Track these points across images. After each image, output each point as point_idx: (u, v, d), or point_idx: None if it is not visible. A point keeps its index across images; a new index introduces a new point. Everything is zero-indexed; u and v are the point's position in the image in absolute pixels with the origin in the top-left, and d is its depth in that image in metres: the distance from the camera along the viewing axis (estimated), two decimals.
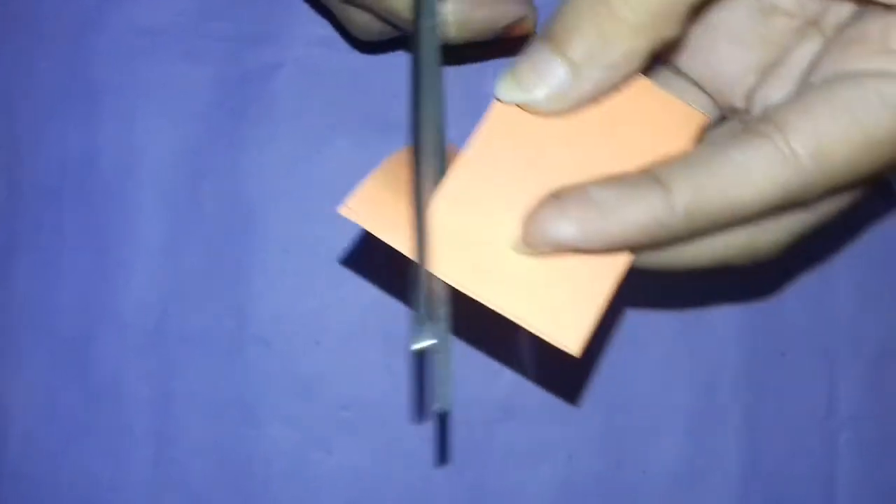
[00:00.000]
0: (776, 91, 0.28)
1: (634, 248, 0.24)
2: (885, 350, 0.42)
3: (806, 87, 0.25)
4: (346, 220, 0.40)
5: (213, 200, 0.40)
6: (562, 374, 0.41)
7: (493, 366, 0.41)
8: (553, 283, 0.24)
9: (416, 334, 0.23)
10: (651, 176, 0.24)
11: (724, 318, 0.41)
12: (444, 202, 0.25)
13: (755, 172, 0.23)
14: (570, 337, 0.24)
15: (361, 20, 0.34)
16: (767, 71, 0.28)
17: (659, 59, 0.29)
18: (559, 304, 0.24)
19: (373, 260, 0.41)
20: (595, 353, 0.41)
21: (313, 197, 0.40)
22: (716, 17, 0.29)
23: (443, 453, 0.41)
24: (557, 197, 0.24)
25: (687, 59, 0.30)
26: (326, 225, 0.40)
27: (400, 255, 0.24)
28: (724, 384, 0.41)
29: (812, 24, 0.28)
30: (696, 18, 0.30)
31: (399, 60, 0.41)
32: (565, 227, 0.23)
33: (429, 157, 0.25)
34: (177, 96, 0.40)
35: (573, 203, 0.23)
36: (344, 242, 0.40)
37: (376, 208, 0.25)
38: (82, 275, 0.40)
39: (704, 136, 0.28)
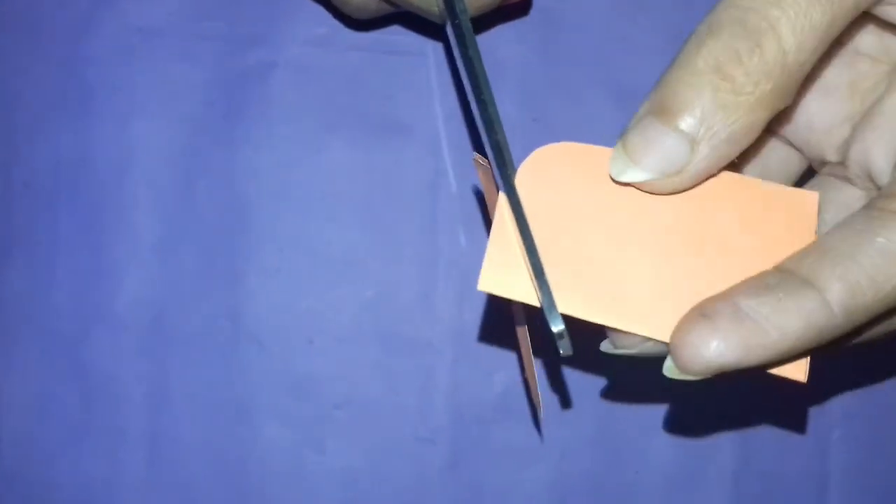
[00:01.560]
0: (874, 144, 0.26)
1: (792, 356, 0.23)
2: (877, 349, 0.42)
3: None
4: (340, 221, 0.40)
5: (208, 200, 0.40)
6: (555, 374, 0.41)
7: (488, 366, 0.41)
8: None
9: (553, 319, 0.24)
10: (797, 277, 0.22)
11: None
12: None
13: None
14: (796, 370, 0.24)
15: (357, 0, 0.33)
16: (862, 120, 0.27)
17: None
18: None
19: (367, 260, 0.41)
20: (588, 354, 0.41)
21: (308, 197, 0.40)
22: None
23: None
24: (705, 315, 0.22)
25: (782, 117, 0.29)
26: (321, 225, 0.41)
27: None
28: (717, 383, 0.41)
29: None
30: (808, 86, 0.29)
31: (393, 60, 0.41)
32: (723, 349, 0.22)
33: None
34: (171, 96, 0.40)
35: (726, 320, 0.22)
36: (338, 242, 0.41)
37: (508, 270, 0.25)
38: (77, 274, 0.40)
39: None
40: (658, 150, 0.23)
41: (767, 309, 0.22)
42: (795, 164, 0.30)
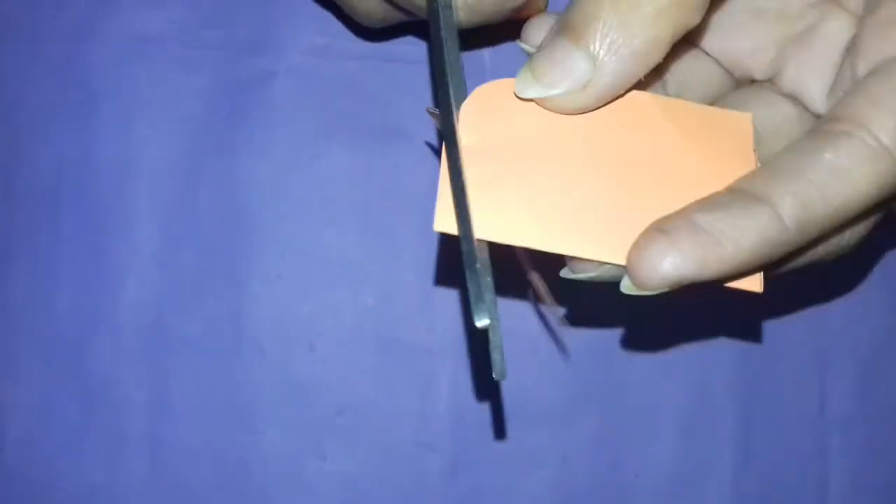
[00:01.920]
0: (809, 68, 0.27)
1: (746, 271, 0.24)
2: (877, 353, 0.42)
3: (862, 75, 0.24)
4: (340, 226, 0.40)
5: (209, 206, 0.41)
6: (555, 379, 0.41)
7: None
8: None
9: (479, 313, 0.23)
10: (750, 195, 0.23)
11: (716, 322, 0.42)
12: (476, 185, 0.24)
13: (854, 172, 0.23)
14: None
15: (364, 6, 0.33)
16: (792, 45, 0.27)
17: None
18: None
19: (368, 266, 0.41)
20: (588, 359, 0.41)
21: (309, 203, 0.41)
22: None
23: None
24: (663, 230, 0.23)
25: (707, 33, 0.29)
26: (321, 230, 0.41)
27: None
28: (717, 388, 0.41)
29: (833, 2, 0.27)
30: (718, 4, 0.29)
31: (392, 68, 0.41)
32: (682, 263, 0.22)
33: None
34: (173, 103, 0.41)
35: (683, 235, 0.23)
36: (338, 248, 0.41)
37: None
38: (78, 279, 0.40)
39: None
40: (560, 66, 0.23)
41: (723, 224, 0.22)
42: (716, 82, 0.30)
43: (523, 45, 0.27)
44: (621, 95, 0.25)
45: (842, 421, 0.42)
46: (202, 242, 0.41)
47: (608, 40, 0.23)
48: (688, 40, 0.29)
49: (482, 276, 0.23)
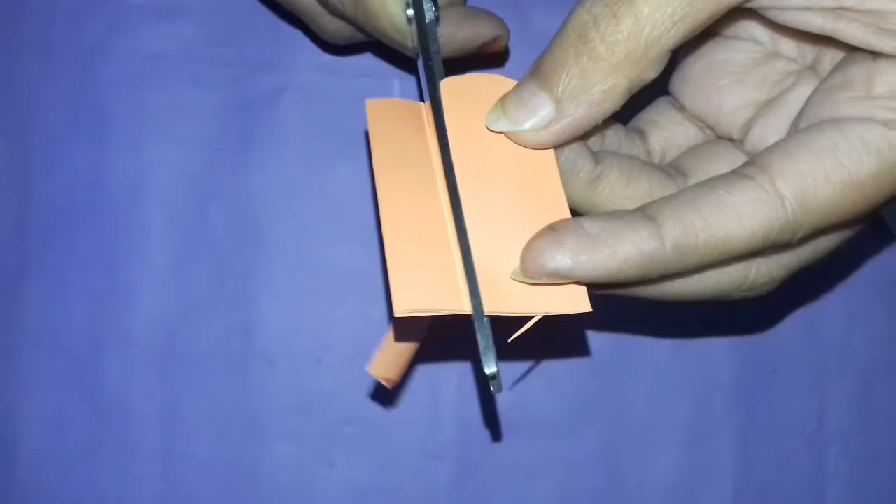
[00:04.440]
0: (770, 129, 0.28)
1: (626, 282, 0.25)
2: (874, 366, 0.43)
3: (792, 132, 0.26)
4: (348, 241, 0.41)
5: (220, 222, 0.41)
6: (559, 391, 0.42)
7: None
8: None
9: (487, 362, 0.25)
10: (642, 212, 0.24)
11: (716, 336, 0.42)
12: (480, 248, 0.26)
13: (741, 211, 0.24)
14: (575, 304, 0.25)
15: (333, 27, 0.35)
16: (764, 107, 0.29)
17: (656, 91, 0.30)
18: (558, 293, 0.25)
19: (375, 280, 0.41)
20: (591, 371, 0.42)
21: (317, 218, 0.41)
22: (720, 56, 0.30)
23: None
24: (553, 228, 0.25)
25: (690, 91, 0.31)
26: (330, 245, 0.41)
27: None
28: (717, 400, 0.42)
29: (810, 68, 0.28)
30: (690, 56, 0.30)
31: (398, 85, 0.42)
32: (560, 258, 0.24)
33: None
34: (184, 121, 0.41)
35: (569, 235, 0.24)
36: (346, 262, 0.41)
37: (421, 289, 0.25)
38: (91, 295, 0.41)
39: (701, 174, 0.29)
40: (526, 105, 0.25)
41: (605, 232, 0.24)
42: (700, 138, 0.31)
43: None
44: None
45: (839, 434, 0.42)
46: (213, 258, 0.41)
47: (570, 87, 0.25)
48: (677, 102, 0.31)
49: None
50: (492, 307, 0.25)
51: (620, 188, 0.28)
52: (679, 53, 0.31)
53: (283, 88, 0.41)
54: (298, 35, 0.41)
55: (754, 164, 0.25)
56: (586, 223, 0.24)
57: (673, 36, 0.24)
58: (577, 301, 0.25)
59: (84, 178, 0.41)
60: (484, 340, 0.24)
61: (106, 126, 0.41)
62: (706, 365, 0.42)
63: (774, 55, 0.29)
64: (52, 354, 0.41)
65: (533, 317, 0.25)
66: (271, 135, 0.41)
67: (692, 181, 0.29)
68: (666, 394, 0.42)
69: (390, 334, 0.30)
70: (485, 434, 0.41)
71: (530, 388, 0.41)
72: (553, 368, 0.42)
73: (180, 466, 0.41)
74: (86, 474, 0.41)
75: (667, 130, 0.31)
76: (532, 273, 0.25)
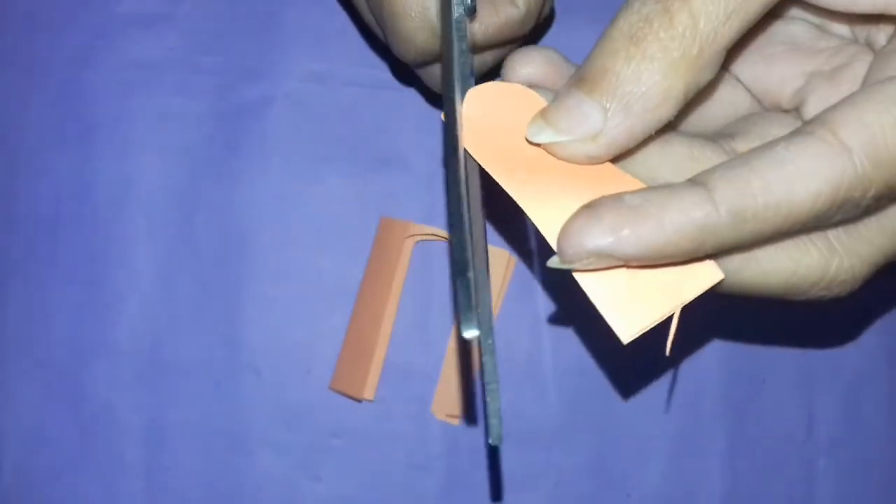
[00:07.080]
0: (831, 101, 0.26)
1: (677, 257, 0.23)
2: (862, 377, 0.43)
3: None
4: (335, 252, 0.41)
5: (206, 232, 0.41)
6: (548, 401, 0.41)
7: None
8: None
9: (467, 323, 0.22)
10: (689, 181, 0.22)
11: (705, 346, 0.42)
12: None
13: (803, 166, 0.22)
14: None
15: (422, 38, 0.31)
16: (819, 78, 0.27)
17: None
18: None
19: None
20: (580, 381, 0.42)
21: (304, 229, 0.41)
22: (773, 28, 0.28)
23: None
24: (590, 206, 0.23)
25: (739, 60, 0.29)
26: (317, 256, 0.41)
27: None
28: (707, 410, 0.42)
29: (865, 45, 0.27)
30: (735, 57, 0.29)
31: (388, 95, 0.41)
32: (599, 235, 0.22)
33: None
34: (170, 130, 0.41)
35: (607, 209, 0.22)
36: (334, 273, 0.41)
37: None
38: (75, 305, 0.41)
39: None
40: (572, 115, 0.23)
41: (648, 202, 0.22)
42: (745, 108, 0.29)
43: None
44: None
45: (828, 444, 0.42)
46: (199, 268, 0.41)
47: (621, 92, 0.23)
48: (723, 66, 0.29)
49: (481, 289, 0.22)
50: (632, 330, 0.23)
51: (656, 151, 0.25)
52: None
53: (271, 97, 0.41)
54: (287, 43, 0.41)
55: (815, 120, 0.22)
56: (626, 196, 0.22)
57: (728, 31, 0.22)
58: (705, 274, 0.23)
59: (69, 186, 0.41)
60: (465, 296, 0.22)
61: (91, 135, 0.41)
62: (696, 376, 0.42)
63: (826, 32, 0.28)
64: (36, 365, 0.40)
65: (672, 316, 0.23)
66: (258, 144, 0.41)
67: (741, 144, 0.26)
68: (656, 404, 0.42)
69: (446, 372, 0.28)
70: (473, 445, 0.41)
71: (519, 399, 0.41)
72: (542, 378, 0.41)
73: (165, 479, 0.40)
74: (69, 487, 0.40)
75: (711, 98, 0.29)
76: (570, 256, 0.22)
